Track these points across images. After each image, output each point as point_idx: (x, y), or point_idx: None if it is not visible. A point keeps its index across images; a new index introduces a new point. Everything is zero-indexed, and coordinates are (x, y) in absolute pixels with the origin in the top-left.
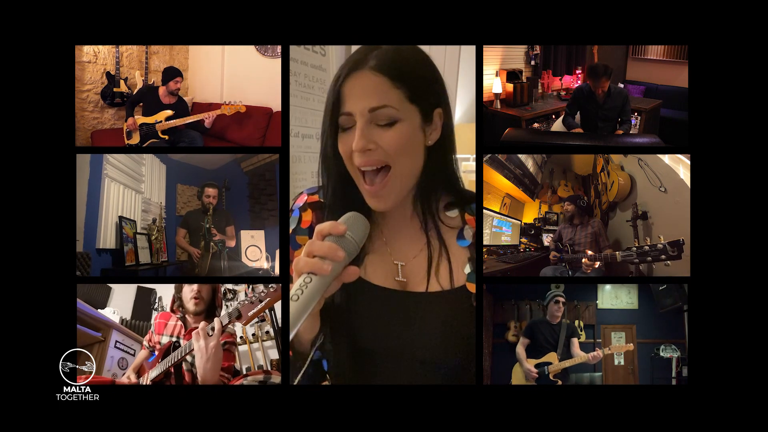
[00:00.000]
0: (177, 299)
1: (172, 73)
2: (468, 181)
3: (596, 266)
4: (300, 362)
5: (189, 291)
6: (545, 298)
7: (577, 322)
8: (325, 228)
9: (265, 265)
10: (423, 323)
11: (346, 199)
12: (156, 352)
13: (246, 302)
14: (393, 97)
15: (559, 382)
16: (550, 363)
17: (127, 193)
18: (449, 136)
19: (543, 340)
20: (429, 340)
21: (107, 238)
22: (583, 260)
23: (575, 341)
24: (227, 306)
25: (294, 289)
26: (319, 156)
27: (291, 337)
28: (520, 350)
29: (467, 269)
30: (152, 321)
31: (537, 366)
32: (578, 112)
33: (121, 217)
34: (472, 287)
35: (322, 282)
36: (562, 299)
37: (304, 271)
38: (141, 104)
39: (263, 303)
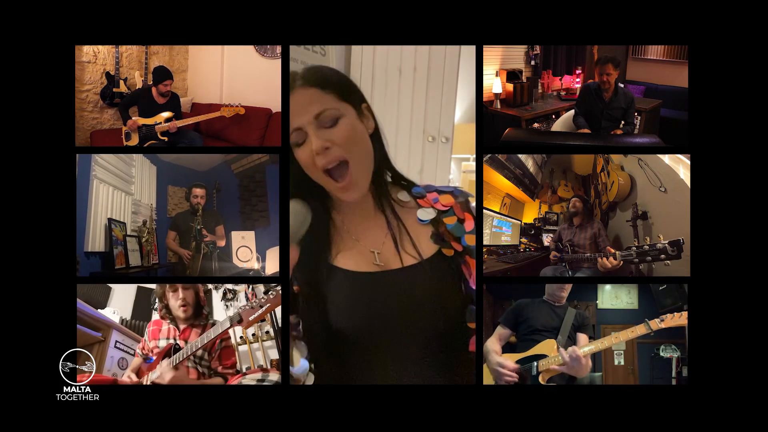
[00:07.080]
0: (164, 308)
1: (162, 75)
2: (468, 180)
3: (610, 266)
4: None
5: (175, 301)
6: None
7: None
8: None
9: (256, 265)
10: (409, 295)
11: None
12: (154, 357)
13: (247, 307)
14: (328, 101)
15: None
16: (543, 356)
17: (116, 194)
18: (378, 125)
19: (540, 324)
20: (417, 309)
21: (96, 241)
22: (602, 259)
23: (583, 338)
24: (227, 306)
25: None
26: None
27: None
28: (493, 344)
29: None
30: (146, 330)
31: (522, 362)
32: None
33: (110, 219)
34: (447, 252)
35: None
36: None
37: None
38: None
39: (263, 309)
